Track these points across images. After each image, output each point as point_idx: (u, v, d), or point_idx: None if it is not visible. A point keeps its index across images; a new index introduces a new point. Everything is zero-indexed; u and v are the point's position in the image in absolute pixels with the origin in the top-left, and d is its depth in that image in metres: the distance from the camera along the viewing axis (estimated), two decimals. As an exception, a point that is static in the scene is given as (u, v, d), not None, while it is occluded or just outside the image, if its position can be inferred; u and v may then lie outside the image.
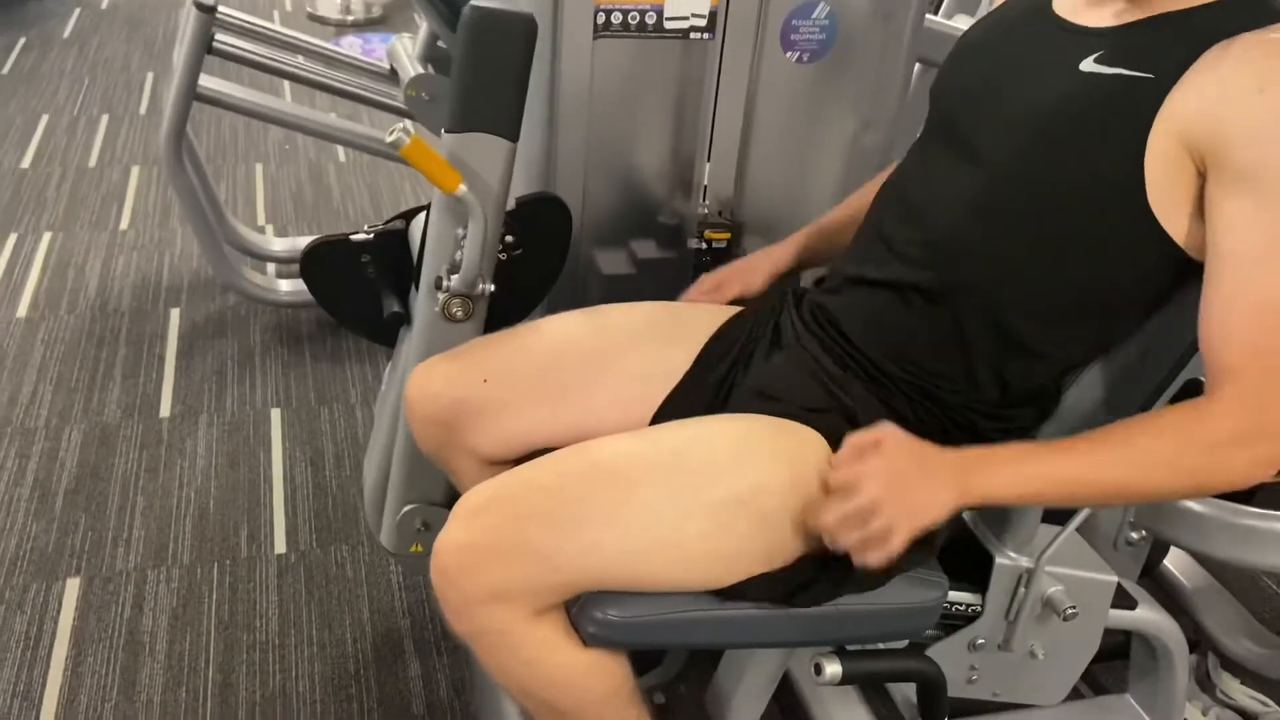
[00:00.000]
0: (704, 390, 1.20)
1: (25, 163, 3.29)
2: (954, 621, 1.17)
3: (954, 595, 1.14)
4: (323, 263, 1.45)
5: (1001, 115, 1.04)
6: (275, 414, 2.25)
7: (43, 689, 1.60)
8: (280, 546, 1.90)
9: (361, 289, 1.47)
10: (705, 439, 1.05)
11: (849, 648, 1.11)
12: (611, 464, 1.01)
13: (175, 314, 2.58)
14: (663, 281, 1.59)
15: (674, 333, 1.23)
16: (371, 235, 1.44)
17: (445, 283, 1.28)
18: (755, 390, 1.15)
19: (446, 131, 1.22)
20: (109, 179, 3.23)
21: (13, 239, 2.85)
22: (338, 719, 1.59)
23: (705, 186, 1.57)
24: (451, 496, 1.46)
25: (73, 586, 1.79)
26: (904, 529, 0.92)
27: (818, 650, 1.10)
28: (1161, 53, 0.95)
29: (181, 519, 1.95)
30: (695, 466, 1.01)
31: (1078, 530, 1.13)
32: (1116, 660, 1.43)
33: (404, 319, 1.46)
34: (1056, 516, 1.13)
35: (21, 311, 2.54)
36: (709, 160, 1.55)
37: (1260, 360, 0.90)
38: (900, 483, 0.93)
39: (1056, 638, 1.18)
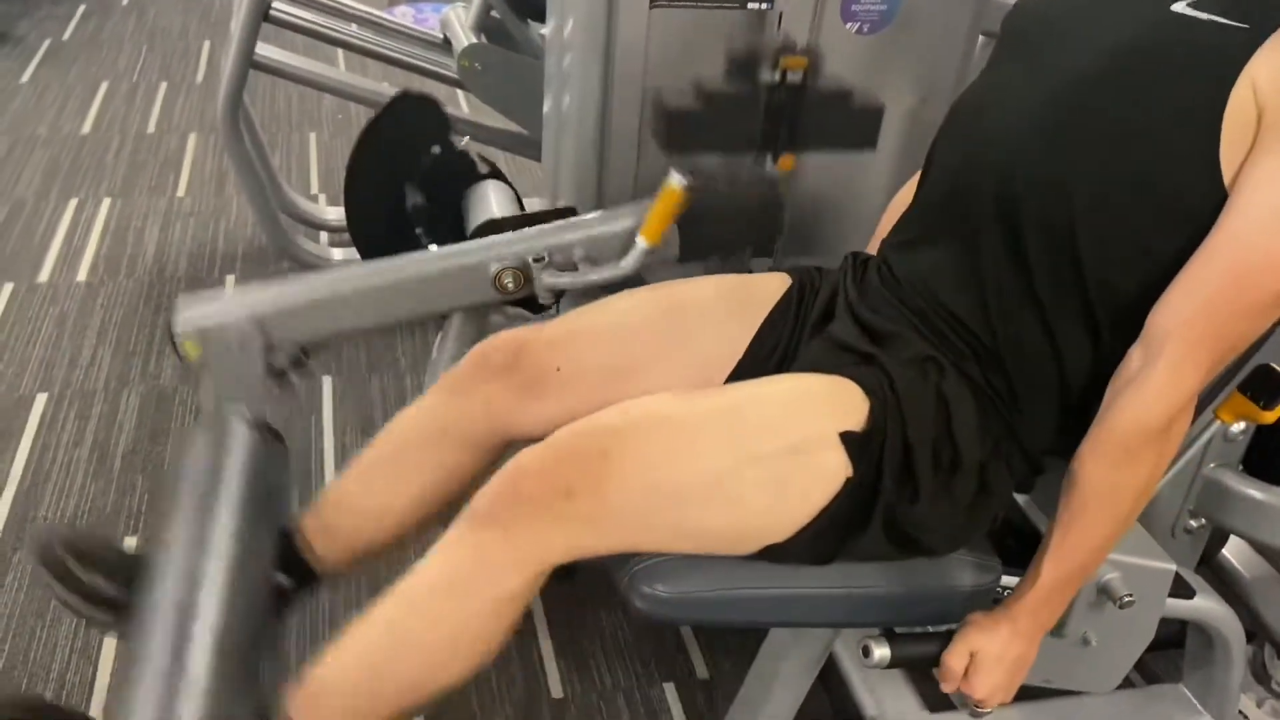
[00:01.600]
0: (764, 363, 1.19)
1: (85, 129, 3.35)
2: (1006, 606, 1.15)
3: (1006, 579, 1.12)
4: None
5: (1085, 41, 1.02)
6: (326, 381, 2.27)
7: (100, 646, 1.64)
8: (330, 512, 1.92)
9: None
10: (762, 395, 1.05)
11: (898, 630, 1.10)
12: (671, 412, 1.02)
13: (230, 280, 2.61)
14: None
15: (742, 303, 1.22)
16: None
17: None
18: (809, 362, 1.14)
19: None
20: (167, 146, 3.27)
21: (73, 204, 2.90)
22: (385, 683, 1.61)
23: (759, 160, 1.55)
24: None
25: (130, 547, 1.83)
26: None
27: (866, 632, 1.09)
28: (1259, 5, 0.93)
29: (235, 483, 1.98)
30: (751, 418, 1.01)
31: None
32: (1171, 649, 1.40)
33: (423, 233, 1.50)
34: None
35: (82, 276, 2.59)
36: (764, 133, 1.53)
37: (1206, 323, 0.91)
38: (1010, 678, 1.03)
39: (1111, 625, 1.15)
